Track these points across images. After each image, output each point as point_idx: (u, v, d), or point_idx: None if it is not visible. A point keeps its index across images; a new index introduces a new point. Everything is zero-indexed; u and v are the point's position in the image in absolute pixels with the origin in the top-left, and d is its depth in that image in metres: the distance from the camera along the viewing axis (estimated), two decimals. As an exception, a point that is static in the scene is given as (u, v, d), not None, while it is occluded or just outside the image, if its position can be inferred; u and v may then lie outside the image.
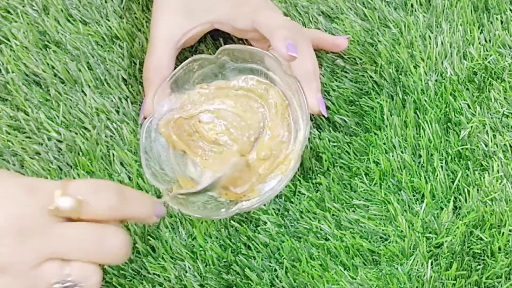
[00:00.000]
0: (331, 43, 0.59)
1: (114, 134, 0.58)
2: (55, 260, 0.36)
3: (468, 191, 0.53)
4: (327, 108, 0.57)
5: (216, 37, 0.62)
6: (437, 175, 0.54)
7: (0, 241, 0.34)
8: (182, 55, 0.61)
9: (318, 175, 0.55)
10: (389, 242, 0.52)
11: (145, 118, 0.56)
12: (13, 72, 0.60)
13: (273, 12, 0.55)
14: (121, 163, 0.56)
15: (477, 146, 0.55)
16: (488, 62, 0.58)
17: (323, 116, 0.56)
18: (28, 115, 0.58)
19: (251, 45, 0.60)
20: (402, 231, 0.52)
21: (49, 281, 0.35)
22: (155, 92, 0.55)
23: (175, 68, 0.56)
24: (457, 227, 0.52)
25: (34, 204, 0.35)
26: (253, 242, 0.53)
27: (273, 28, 0.53)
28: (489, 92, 0.57)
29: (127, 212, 0.38)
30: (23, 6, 0.63)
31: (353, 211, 0.53)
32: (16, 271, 0.35)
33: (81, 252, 0.36)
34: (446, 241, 0.51)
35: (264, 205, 0.54)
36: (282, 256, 0.52)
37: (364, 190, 0.54)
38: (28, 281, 0.35)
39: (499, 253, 0.50)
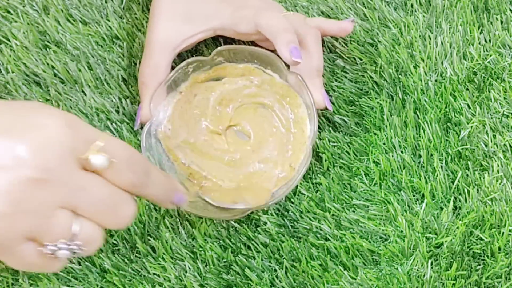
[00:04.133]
0: (336, 29, 0.58)
1: (114, 134, 0.58)
2: (67, 210, 0.34)
3: (468, 191, 0.53)
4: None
5: (216, 37, 0.62)
6: (437, 175, 0.54)
7: (21, 171, 0.32)
8: (181, 56, 0.61)
9: (318, 175, 0.55)
10: (389, 242, 0.52)
11: (142, 124, 0.56)
12: (13, 72, 0.60)
13: (274, 13, 0.55)
14: (121, 163, 0.56)
15: (477, 146, 0.55)
16: (488, 62, 0.58)
17: (328, 110, 0.56)
18: (28, 115, 0.58)
19: (259, 46, 0.60)
20: (402, 231, 0.52)
21: (56, 231, 0.34)
22: (151, 96, 0.55)
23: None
24: (457, 227, 0.52)
25: (68, 143, 0.33)
26: (253, 242, 0.53)
27: (276, 31, 0.53)
28: (489, 92, 0.57)
29: (144, 193, 0.38)
30: (23, 6, 0.63)
31: (353, 211, 0.53)
32: (30, 208, 0.32)
33: (93, 210, 0.35)
34: (446, 241, 0.51)
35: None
36: (282, 256, 0.52)
37: (364, 190, 0.54)
38: (39, 222, 0.33)
39: (499, 253, 0.51)
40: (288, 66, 0.55)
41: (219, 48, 0.56)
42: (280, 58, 0.54)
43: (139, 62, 0.60)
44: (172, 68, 0.57)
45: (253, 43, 0.60)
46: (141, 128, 0.56)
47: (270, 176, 0.55)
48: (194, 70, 0.56)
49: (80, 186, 0.34)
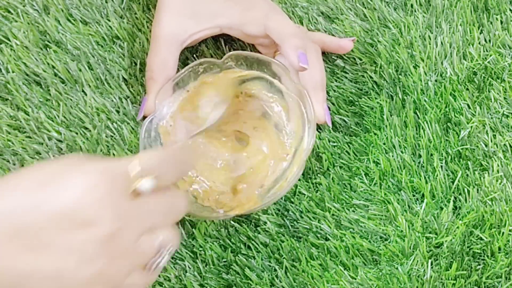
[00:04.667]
0: (336, 46, 0.59)
1: (114, 134, 0.58)
2: (145, 234, 0.37)
3: (468, 191, 0.53)
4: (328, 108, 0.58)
5: (217, 38, 0.62)
6: (437, 175, 0.54)
7: (97, 233, 0.35)
8: (182, 54, 0.61)
9: (318, 175, 0.55)
10: (389, 242, 0.52)
11: (144, 117, 0.56)
12: (13, 72, 0.60)
13: (284, 18, 0.55)
14: (121, 163, 0.56)
15: (477, 146, 0.55)
16: (488, 62, 0.58)
17: (328, 126, 0.57)
18: (28, 115, 0.58)
19: (257, 50, 0.60)
20: (402, 231, 0.52)
21: (148, 254, 0.38)
22: (158, 91, 0.55)
23: (179, 68, 0.56)
24: (457, 227, 0.52)
25: (114, 187, 0.36)
26: (253, 242, 0.53)
27: (285, 35, 0.53)
28: (489, 92, 0.57)
29: (186, 173, 0.42)
30: (24, 6, 0.63)
31: (353, 211, 0.53)
32: (119, 256, 0.36)
33: (162, 220, 0.38)
34: (446, 241, 0.51)
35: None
36: (282, 256, 0.52)
37: (364, 190, 0.54)
38: (131, 260, 0.37)
39: (499, 253, 0.51)
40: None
41: (231, 52, 0.55)
42: (281, 68, 0.54)
43: (140, 62, 0.60)
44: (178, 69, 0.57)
45: (253, 48, 0.60)
46: (143, 119, 0.56)
47: (261, 184, 0.55)
48: (204, 71, 0.56)
49: (144, 212, 0.37)
